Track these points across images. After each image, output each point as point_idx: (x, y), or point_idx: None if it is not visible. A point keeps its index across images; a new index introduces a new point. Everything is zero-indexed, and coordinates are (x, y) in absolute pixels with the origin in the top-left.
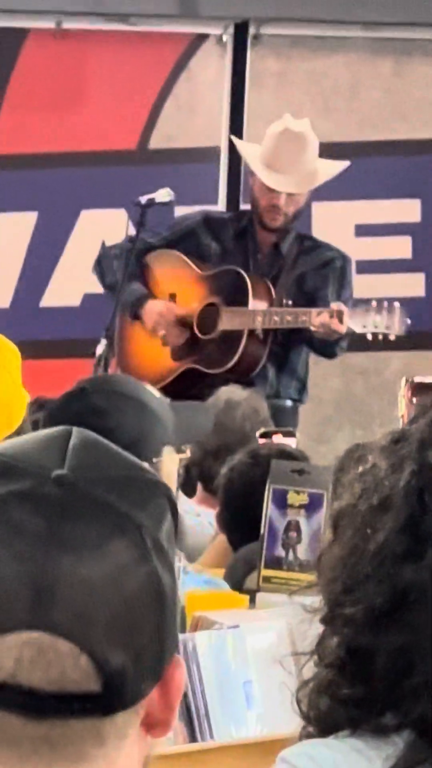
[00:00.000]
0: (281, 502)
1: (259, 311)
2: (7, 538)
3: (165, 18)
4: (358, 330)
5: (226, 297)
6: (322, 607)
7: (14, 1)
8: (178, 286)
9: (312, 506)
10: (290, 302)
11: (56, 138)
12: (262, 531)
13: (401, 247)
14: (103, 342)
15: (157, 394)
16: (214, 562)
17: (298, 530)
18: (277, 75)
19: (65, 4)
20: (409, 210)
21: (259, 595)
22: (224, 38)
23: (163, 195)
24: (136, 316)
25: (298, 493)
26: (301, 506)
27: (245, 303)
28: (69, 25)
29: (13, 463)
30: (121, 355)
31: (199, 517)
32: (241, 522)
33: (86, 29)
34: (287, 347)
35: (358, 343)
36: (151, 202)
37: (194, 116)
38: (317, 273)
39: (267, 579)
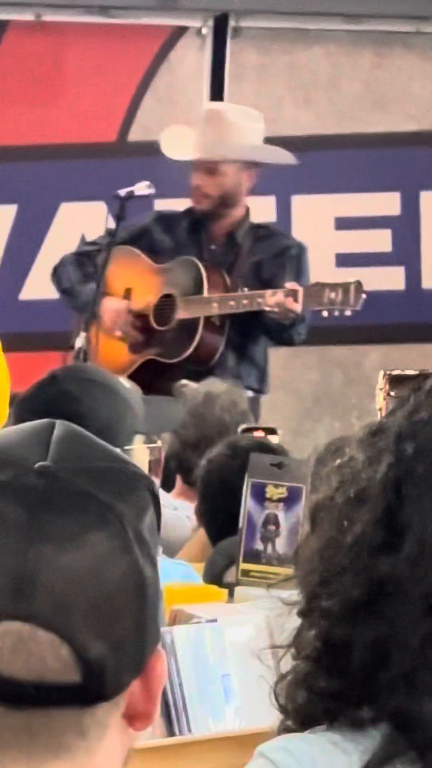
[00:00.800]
0: (260, 496)
1: (214, 297)
2: None
3: (144, 10)
4: (314, 308)
5: (181, 287)
6: (300, 600)
7: None
8: (133, 281)
9: (290, 500)
10: (246, 290)
11: (36, 130)
12: (240, 525)
13: (381, 240)
14: (82, 335)
15: (127, 383)
16: (193, 556)
17: (277, 524)
18: (256, 68)
19: None
20: (388, 203)
21: (238, 589)
22: (204, 31)
23: (143, 188)
24: (94, 315)
25: (276, 486)
26: (279, 500)
27: (201, 292)
28: (49, 17)
29: None
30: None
31: (176, 510)
32: (219, 515)
33: (66, 21)
34: (245, 337)
35: (337, 335)
36: (130, 195)
37: (174, 109)
38: (274, 261)
39: (246, 573)
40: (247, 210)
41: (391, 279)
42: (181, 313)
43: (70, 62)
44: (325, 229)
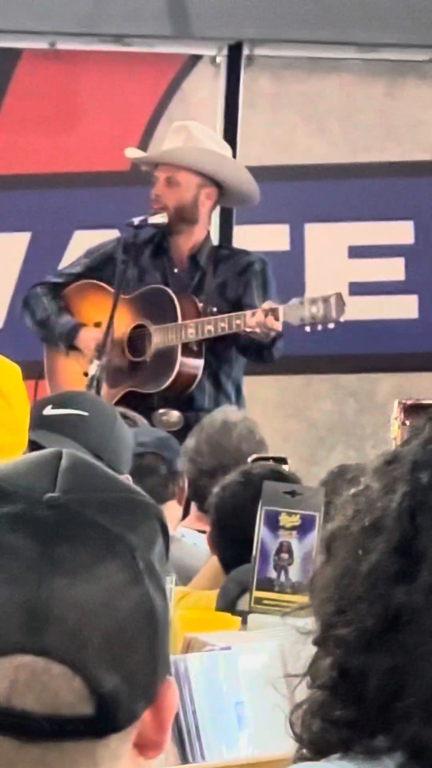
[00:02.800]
0: (273, 524)
1: (190, 323)
2: None
3: (159, 39)
4: (296, 323)
5: (153, 316)
6: (315, 629)
7: (8, 22)
8: (102, 315)
9: (304, 528)
10: (215, 310)
11: (50, 158)
12: (254, 552)
13: (394, 269)
14: (96, 363)
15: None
16: (206, 584)
17: (290, 552)
18: (270, 96)
19: (59, 25)
20: (402, 232)
21: (251, 617)
22: (218, 59)
23: (156, 216)
24: (72, 347)
25: (290, 514)
26: (293, 528)
27: (174, 318)
28: (63, 45)
29: (4, 486)
30: (54, 389)
31: (184, 537)
32: (232, 543)
33: (80, 50)
34: (220, 357)
35: (350, 363)
36: (144, 223)
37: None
38: (238, 279)
39: (259, 600)
40: (208, 233)
41: (404, 308)
42: (157, 342)
43: (84, 90)
44: (339, 258)
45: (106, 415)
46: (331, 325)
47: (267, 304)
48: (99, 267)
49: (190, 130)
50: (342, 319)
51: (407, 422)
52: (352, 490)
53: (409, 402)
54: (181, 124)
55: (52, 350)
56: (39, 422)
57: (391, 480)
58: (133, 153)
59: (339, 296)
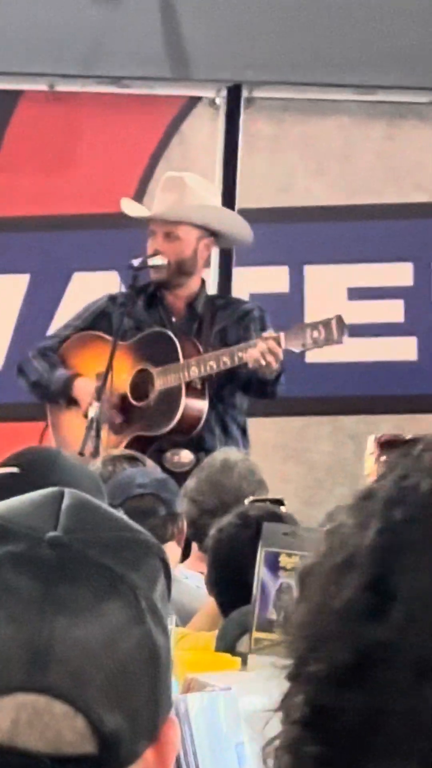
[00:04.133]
0: (273, 565)
1: (192, 361)
2: (1, 601)
3: (158, 81)
4: (298, 350)
5: (154, 359)
6: (288, 664)
7: (7, 63)
8: (103, 364)
9: None
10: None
11: (49, 200)
12: (254, 593)
13: (394, 311)
14: (95, 404)
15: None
16: (204, 625)
17: (291, 593)
18: (269, 138)
19: (58, 66)
20: (401, 274)
21: (251, 658)
22: (217, 101)
23: (156, 259)
24: (70, 401)
25: (290, 555)
26: (293, 569)
27: (176, 359)
28: (62, 87)
29: (6, 525)
30: (60, 444)
31: (186, 579)
32: (229, 585)
33: (79, 91)
34: (226, 402)
35: (349, 405)
36: (143, 265)
37: None
38: (237, 325)
39: (259, 641)
40: (203, 281)
41: (403, 349)
42: (160, 384)
43: (83, 132)
44: (338, 300)
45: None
46: (335, 345)
47: (267, 333)
48: (91, 325)
49: (186, 183)
50: (340, 360)
51: (382, 458)
52: (327, 527)
53: (384, 438)
54: (172, 176)
55: (54, 406)
56: None
57: (365, 516)
58: (129, 208)
59: (339, 318)
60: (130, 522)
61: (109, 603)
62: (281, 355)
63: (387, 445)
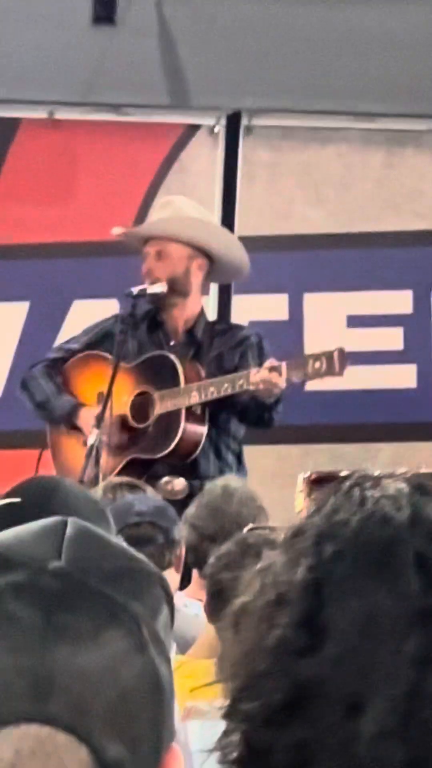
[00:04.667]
0: None
1: (193, 386)
2: (3, 630)
3: (157, 108)
4: (299, 380)
5: (156, 382)
6: (224, 703)
7: (7, 91)
8: (105, 385)
9: None
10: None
11: (48, 228)
12: None
13: (393, 339)
14: (95, 431)
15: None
16: (203, 653)
17: None
18: (268, 166)
19: (58, 94)
20: (400, 301)
21: None
22: (216, 129)
23: (155, 286)
24: (73, 427)
25: None
26: None
27: (177, 383)
28: (61, 115)
29: (8, 555)
30: (60, 468)
31: (186, 607)
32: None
33: (78, 119)
34: (221, 428)
35: (348, 433)
36: (142, 293)
37: None
38: (234, 351)
39: None
40: (202, 308)
41: (402, 377)
42: (160, 407)
43: (82, 160)
44: (337, 327)
45: (44, 503)
46: (336, 377)
47: (270, 362)
48: (98, 343)
49: (175, 203)
50: (340, 388)
51: (312, 495)
52: (259, 565)
53: (313, 476)
54: (166, 198)
55: (54, 427)
56: None
57: (296, 553)
58: (119, 229)
59: (341, 351)
60: (133, 551)
61: (111, 632)
62: (284, 384)
63: (317, 482)
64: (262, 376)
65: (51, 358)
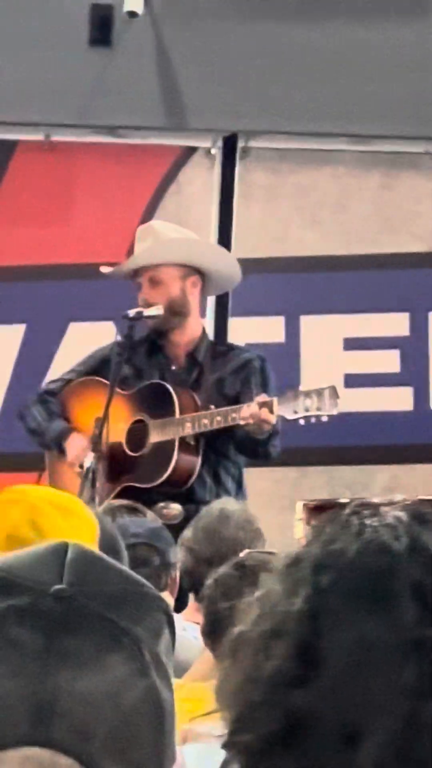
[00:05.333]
0: None
1: (187, 417)
2: (6, 654)
3: (153, 130)
4: (290, 417)
5: (151, 411)
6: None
7: (3, 113)
8: (102, 410)
9: None
10: (212, 407)
11: (45, 250)
12: None
13: (390, 361)
14: (91, 455)
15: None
16: (200, 676)
17: None
18: (265, 188)
19: (54, 116)
20: (397, 324)
21: None
22: (213, 151)
23: (151, 309)
24: (62, 451)
25: None
26: None
27: (172, 413)
28: (58, 137)
29: (10, 578)
30: (55, 487)
31: (185, 631)
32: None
33: (75, 141)
34: (219, 452)
35: (345, 455)
36: (139, 315)
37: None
38: (235, 376)
39: None
40: (204, 329)
41: (399, 400)
42: (155, 437)
43: (79, 182)
44: (334, 350)
45: None
46: (325, 419)
47: (261, 397)
48: (95, 371)
49: (154, 228)
50: (337, 411)
51: (311, 523)
52: (256, 593)
53: (313, 503)
54: (143, 227)
55: (50, 452)
56: None
57: (293, 582)
58: (107, 269)
59: (333, 389)
60: (135, 575)
61: (113, 656)
62: (273, 420)
63: (316, 510)
64: (252, 412)
65: (46, 390)
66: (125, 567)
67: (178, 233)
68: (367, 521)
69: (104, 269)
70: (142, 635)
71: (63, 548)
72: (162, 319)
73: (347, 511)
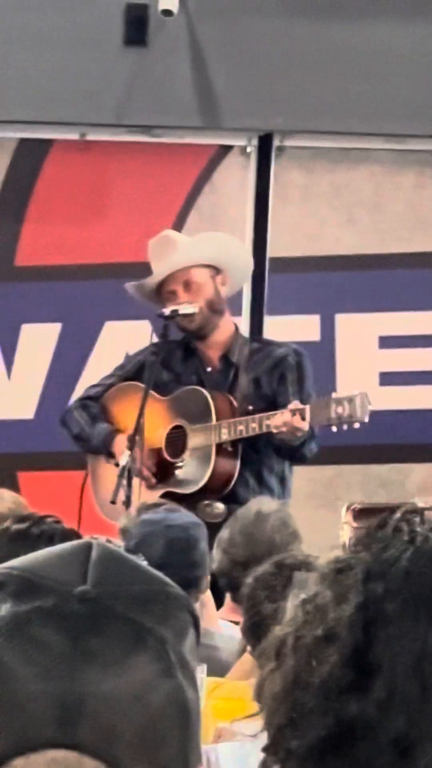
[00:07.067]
0: None
1: (224, 423)
2: (32, 656)
3: (188, 130)
4: (322, 424)
5: (190, 417)
6: (265, 736)
7: (39, 113)
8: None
9: None
10: (250, 408)
11: (80, 249)
12: None
13: (425, 359)
14: (126, 453)
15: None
16: (241, 675)
17: None
18: (300, 187)
19: (89, 116)
20: None
21: None
22: (248, 150)
23: (186, 307)
24: (110, 455)
25: None
26: None
27: (209, 419)
28: (93, 136)
29: (35, 580)
30: (98, 496)
31: (222, 629)
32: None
33: (110, 141)
34: (262, 452)
35: (380, 453)
36: (174, 314)
37: (218, 228)
38: (271, 374)
39: None
40: (236, 327)
41: None
42: (193, 443)
43: (114, 181)
44: (369, 348)
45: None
46: (357, 425)
47: (293, 405)
48: (133, 376)
49: (170, 236)
50: (372, 409)
51: (356, 524)
52: (302, 596)
53: (359, 506)
54: (154, 241)
55: (92, 455)
56: None
57: (344, 589)
58: (132, 288)
59: (364, 395)
60: (159, 574)
61: (138, 657)
62: (306, 427)
63: (361, 513)
64: (285, 419)
65: (87, 395)
66: (149, 567)
67: (189, 238)
68: (418, 529)
69: (128, 286)
70: (167, 635)
71: (87, 548)
72: (203, 319)
73: (396, 516)
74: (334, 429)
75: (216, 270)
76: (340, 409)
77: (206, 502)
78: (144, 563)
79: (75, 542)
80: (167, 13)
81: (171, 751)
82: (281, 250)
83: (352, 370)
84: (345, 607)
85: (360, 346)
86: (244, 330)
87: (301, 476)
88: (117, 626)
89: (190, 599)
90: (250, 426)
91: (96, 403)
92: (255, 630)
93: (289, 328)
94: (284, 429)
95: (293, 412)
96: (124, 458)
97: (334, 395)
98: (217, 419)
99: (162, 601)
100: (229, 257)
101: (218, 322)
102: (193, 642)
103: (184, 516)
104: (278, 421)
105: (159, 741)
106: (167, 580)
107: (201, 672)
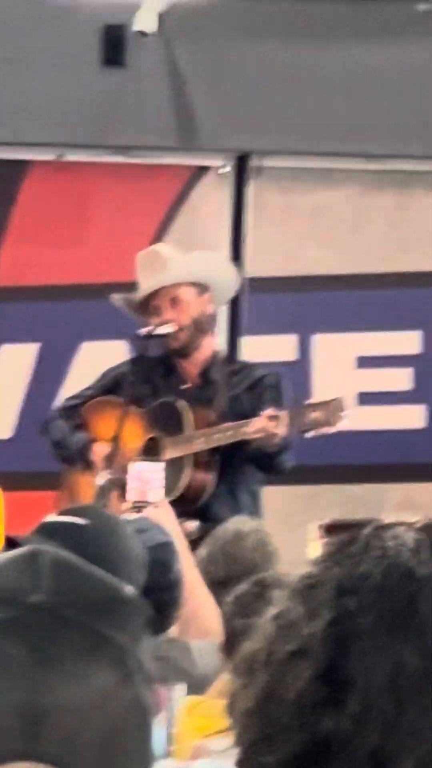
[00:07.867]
0: None
1: (199, 433)
2: None
3: (165, 150)
4: (298, 429)
5: (165, 428)
6: (236, 752)
7: (16, 133)
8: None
9: None
10: (228, 424)
11: (58, 270)
12: None
13: (402, 379)
14: (105, 473)
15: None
16: (221, 692)
17: None
18: (278, 208)
19: (66, 136)
20: (410, 342)
21: None
22: (225, 170)
23: (164, 327)
24: (87, 464)
25: None
26: None
27: (185, 430)
28: (70, 157)
29: None
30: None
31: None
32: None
33: (87, 161)
34: (235, 468)
35: (358, 473)
36: (151, 334)
37: (195, 249)
38: (249, 393)
39: None
40: (216, 348)
41: (411, 418)
42: (168, 454)
43: (91, 202)
44: (347, 368)
45: (107, 527)
46: (332, 431)
47: (269, 411)
48: (113, 388)
49: (159, 251)
50: (344, 423)
51: (325, 542)
52: (272, 611)
53: (327, 523)
54: (146, 251)
55: (70, 468)
56: (38, 528)
57: (315, 604)
58: (119, 299)
59: (339, 400)
60: (112, 579)
61: (97, 665)
62: (282, 432)
63: (331, 530)
64: (261, 425)
65: (69, 405)
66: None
67: (179, 254)
68: (389, 544)
69: (115, 297)
70: (125, 642)
71: (35, 554)
72: (187, 338)
73: (366, 532)
74: (311, 434)
75: (203, 288)
76: (315, 414)
77: (179, 520)
78: (94, 567)
79: (23, 549)
80: (142, 34)
81: (133, 758)
82: (259, 271)
83: (328, 390)
84: (318, 623)
85: (337, 366)
86: (221, 349)
87: (278, 495)
88: (75, 635)
89: (144, 602)
90: (226, 434)
91: (77, 412)
92: (232, 648)
93: (266, 348)
94: (261, 435)
95: (270, 417)
96: (100, 477)
97: (309, 401)
98: (194, 431)
99: (117, 607)
100: (217, 276)
101: (202, 341)
102: (148, 645)
103: (154, 535)
104: (254, 426)
105: (121, 748)
106: (120, 584)
107: (181, 690)
